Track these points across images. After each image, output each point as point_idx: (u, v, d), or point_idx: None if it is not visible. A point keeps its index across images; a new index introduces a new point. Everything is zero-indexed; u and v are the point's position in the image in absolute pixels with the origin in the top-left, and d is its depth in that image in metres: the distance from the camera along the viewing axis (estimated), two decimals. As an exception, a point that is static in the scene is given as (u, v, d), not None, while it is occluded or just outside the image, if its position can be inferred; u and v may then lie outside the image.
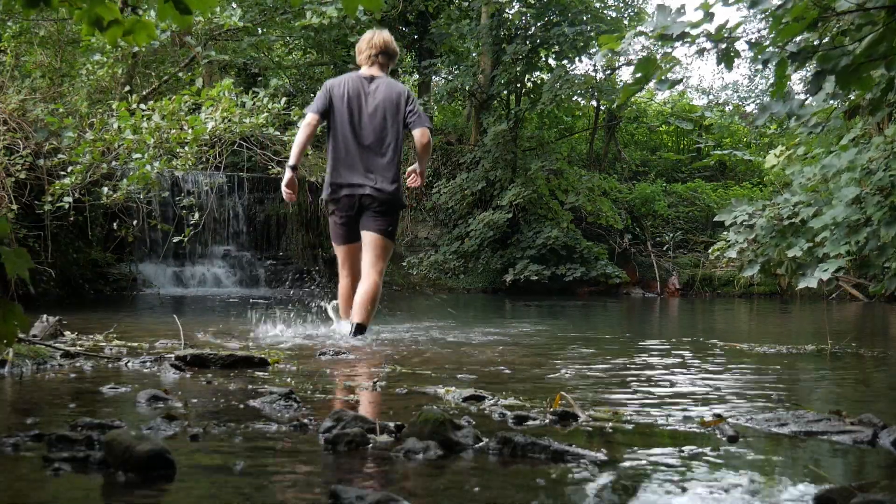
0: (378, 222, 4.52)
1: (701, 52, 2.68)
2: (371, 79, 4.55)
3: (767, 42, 2.68)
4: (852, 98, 3.52)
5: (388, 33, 4.68)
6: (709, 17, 2.65)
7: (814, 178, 4.15)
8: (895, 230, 3.47)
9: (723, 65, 2.68)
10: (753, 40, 2.78)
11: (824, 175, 4.04)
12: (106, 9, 1.78)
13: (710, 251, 4.85)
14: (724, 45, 2.62)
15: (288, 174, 4.55)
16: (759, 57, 2.67)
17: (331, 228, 4.72)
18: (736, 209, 4.32)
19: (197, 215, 7.09)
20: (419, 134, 4.48)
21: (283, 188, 4.58)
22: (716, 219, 4.54)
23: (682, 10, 2.68)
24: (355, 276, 4.66)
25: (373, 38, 4.59)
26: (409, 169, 4.72)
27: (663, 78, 2.75)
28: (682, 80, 3.20)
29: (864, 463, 1.90)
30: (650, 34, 2.67)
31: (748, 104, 23.09)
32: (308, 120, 4.53)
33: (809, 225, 3.86)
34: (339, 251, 4.72)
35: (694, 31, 2.63)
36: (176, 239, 6.96)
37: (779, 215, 4.06)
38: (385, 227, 4.54)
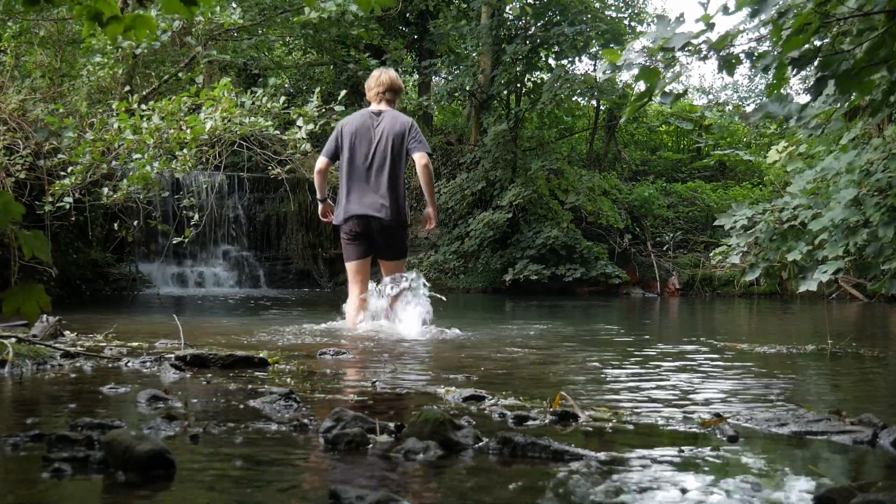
0: (390, 250, 5.07)
1: (704, 59, 2.68)
2: (378, 113, 5.03)
3: (768, 49, 2.69)
4: (853, 98, 3.52)
5: (394, 72, 5.18)
6: (710, 27, 2.64)
7: (813, 181, 4.14)
8: (893, 230, 3.47)
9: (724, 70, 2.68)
10: (755, 42, 2.78)
11: (823, 177, 4.04)
12: (106, 4, 1.77)
13: (711, 255, 4.87)
14: (725, 53, 2.62)
15: (321, 206, 5.22)
16: (759, 64, 2.67)
17: (343, 248, 5.16)
18: (736, 213, 4.32)
19: (197, 215, 7.09)
20: (418, 157, 4.92)
21: (321, 216, 5.27)
22: (716, 223, 4.55)
23: (682, 19, 2.68)
24: (364, 286, 5.11)
25: (380, 77, 5.08)
26: (424, 217, 5.22)
27: (666, 90, 2.75)
28: (685, 93, 3.18)
29: (864, 463, 1.90)
30: (652, 47, 2.67)
31: (748, 104, 23.11)
32: (319, 166, 5.07)
33: (809, 227, 3.86)
34: (351, 266, 5.13)
35: (695, 41, 2.63)
36: (177, 240, 6.96)
37: (779, 218, 4.06)
38: (396, 253, 5.09)
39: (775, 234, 4.04)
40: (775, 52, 2.65)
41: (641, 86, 2.79)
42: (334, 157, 5.04)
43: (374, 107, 5.07)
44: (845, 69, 2.43)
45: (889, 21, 2.38)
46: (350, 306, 5.11)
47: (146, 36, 1.83)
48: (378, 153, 4.92)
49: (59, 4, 1.79)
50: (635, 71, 2.70)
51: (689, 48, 2.61)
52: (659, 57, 2.66)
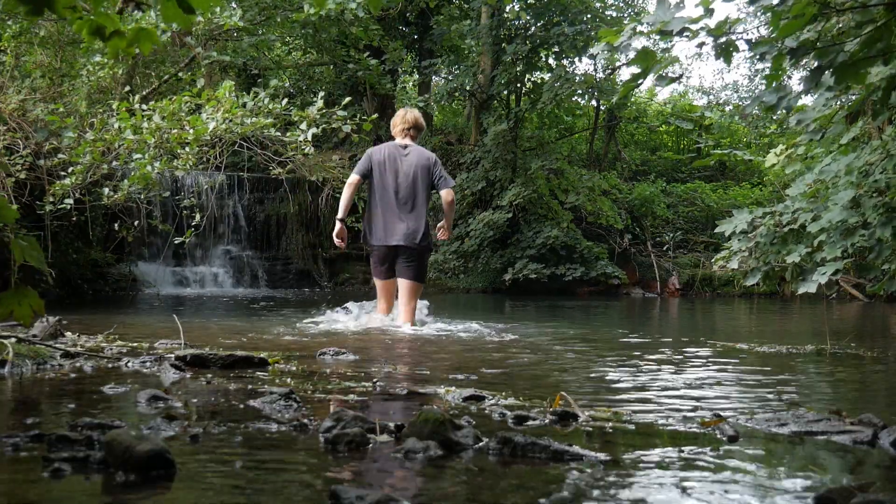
0: (410, 270, 5.42)
1: (700, 46, 2.67)
2: (405, 147, 5.51)
3: (768, 37, 2.68)
4: (854, 98, 3.52)
5: (418, 111, 5.69)
6: (709, 12, 2.64)
7: (812, 184, 4.15)
8: (890, 230, 3.47)
9: (723, 63, 2.68)
10: (753, 39, 2.77)
11: (822, 180, 4.04)
12: (108, 18, 1.76)
13: (713, 261, 4.89)
14: (723, 40, 2.61)
15: (338, 226, 5.47)
16: (757, 50, 2.67)
17: (372, 266, 5.58)
18: (737, 219, 4.33)
19: (198, 215, 7.08)
20: (445, 193, 5.42)
21: (335, 237, 5.50)
22: (717, 230, 4.56)
23: (682, 5, 2.67)
24: (390, 302, 5.57)
25: (406, 115, 5.58)
26: (440, 224, 5.62)
27: (662, 73, 2.75)
28: (681, 77, 3.16)
29: (863, 463, 1.90)
30: (650, 29, 2.67)
31: (748, 104, 23.05)
32: (351, 181, 5.45)
33: (808, 230, 3.86)
34: (378, 283, 5.58)
35: (694, 27, 2.63)
36: (178, 240, 6.95)
37: (779, 222, 4.07)
38: (415, 274, 5.43)
39: (775, 238, 4.04)
40: (772, 38, 2.64)
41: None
42: (365, 175, 5.45)
43: (399, 140, 5.55)
44: (842, 60, 2.43)
45: (888, 14, 2.38)
46: (378, 313, 5.57)
47: (150, 49, 1.82)
48: (406, 183, 5.39)
49: (61, 17, 1.77)
50: (633, 56, 2.70)
51: (688, 33, 2.60)
52: (657, 41, 2.67)
